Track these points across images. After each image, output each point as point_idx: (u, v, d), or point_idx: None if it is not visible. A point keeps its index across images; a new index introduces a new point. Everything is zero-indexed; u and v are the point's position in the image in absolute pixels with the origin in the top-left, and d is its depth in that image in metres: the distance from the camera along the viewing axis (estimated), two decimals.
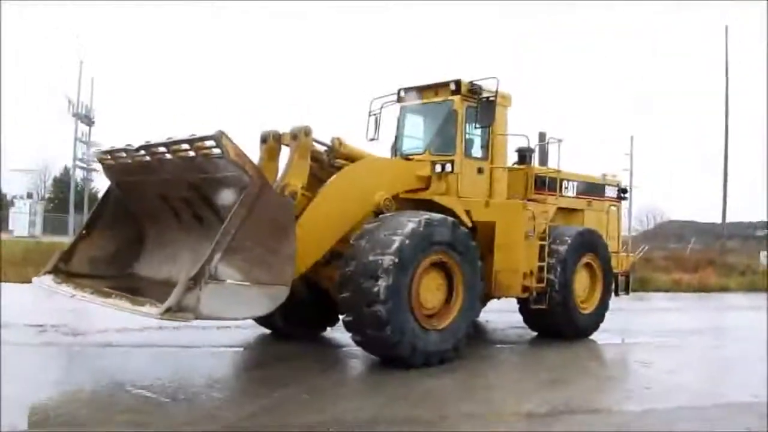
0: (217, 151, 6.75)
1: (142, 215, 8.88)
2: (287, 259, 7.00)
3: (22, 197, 50.86)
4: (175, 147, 7.17)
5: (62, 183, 60.38)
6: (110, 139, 53.86)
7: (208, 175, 7.10)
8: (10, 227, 44.99)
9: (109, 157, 8.28)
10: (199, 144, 6.89)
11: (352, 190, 9.09)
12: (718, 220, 44.05)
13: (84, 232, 8.96)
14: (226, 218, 6.57)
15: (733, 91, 44.80)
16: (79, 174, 54.33)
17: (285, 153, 9.01)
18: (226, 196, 6.95)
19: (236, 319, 6.98)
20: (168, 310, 6.06)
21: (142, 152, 7.56)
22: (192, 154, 7.04)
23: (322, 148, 9.19)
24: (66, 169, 59.78)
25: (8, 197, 58.51)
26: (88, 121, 50.65)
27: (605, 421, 6.45)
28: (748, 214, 63.97)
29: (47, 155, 65.71)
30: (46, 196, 62.57)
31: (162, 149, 7.36)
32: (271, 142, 9.14)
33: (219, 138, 6.62)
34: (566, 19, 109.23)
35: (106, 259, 8.71)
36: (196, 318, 6.23)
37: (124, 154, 7.92)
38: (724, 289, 25.70)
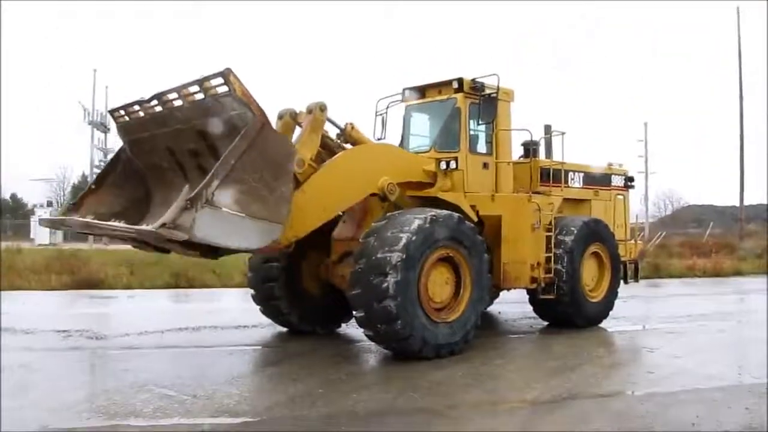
0: (224, 89, 7.00)
1: (149, 175, 8.99)
2: (283, 198, 7.24)
3: (42, 206, 51.67)
4: (186, 91, 7.42)
5: (81, 190, 60.99)
6: None
7: (216, 118, 7.27)
8: (31, 236, 45.64)
9: (123, 113, 8.45)
10: (208, 84, 7.14)
11: (358, 168, 9.37)
12: (737, 203, 43.96)
13: (92, 186, 9.16)
14: (227, 150, 6.79)
15: (747, 72, 44.62)
16: None
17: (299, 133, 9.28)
18: (231, 137, 7.10)
19: (228, 248, 6.94)
20: (163, 225, 6.31)
21: (155, 102, 7.80)
22: (201, 96, 7.28)
23: (334, 131, 9.59)
24: (84, 177, 60.58)
25: (29, 206, 59.42)
26: (104, 128, 51.33)
27: (606, 406, 6.68)
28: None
29: (65, 163, 66.47)
30: (67, 204, 63.34)
31: (173, 96, 7.60)
32: (287, 118, 9.36)
33: (227, 75, 6.88)
34: (580, 8, 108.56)
35: (112, 216, 8.76)
36: (189, 239, 6.39)
37: (137, 107, 8.16)
38: (738, 273, 25.70)
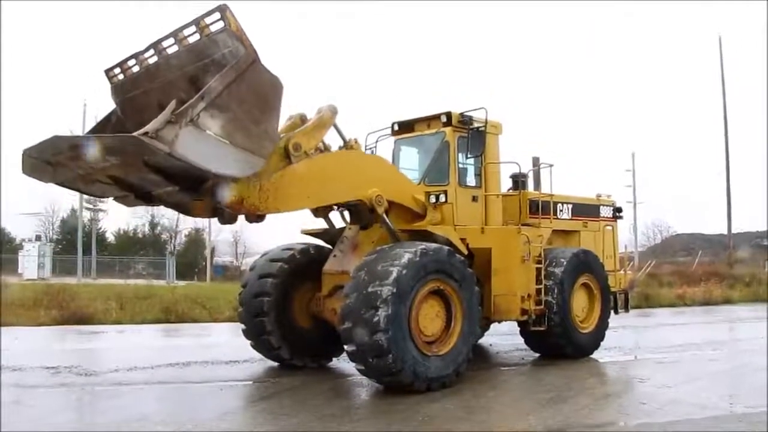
0: (219, 25, 7.03)
1: None
2: (268, 134, 7.31)
3: (30, 240, 51.35)
4: (181, 35, 7.42)
5: (69, 225, 60.82)
6: None
7: (209, 60, 7.28)
8: (19, 270, 45.32)
9: (119, 70, 8.39)
10: (203, 23, 7.17)
11: (351, 170, 9.47)
12: (726, 231, 44.28)
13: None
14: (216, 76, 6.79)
15: (732, 100, 45.31)
16: (86, 215, 55.00)
17: None
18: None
19: (209, 171, 6.87)
20: (146, 134, 6.25)
21: (150, 52, 7.80)
22: (197, 37, 7.29)
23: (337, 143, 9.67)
24: (73, 211, 60.35)
25: (17, 240, 59.01)
26: None
27: None
28: (756, 224, 63.82)
29: (54, 197, 66.09)
30: (54, 238, 63.01)
31: (169, 42, 7.59)
32: (296, 119, 9.43)
33: (224, 9, 6.92)
34: (563, 39, 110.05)
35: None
36: (170, 154, 6.34)
37: (132, 61, 8.13)
38: (728, 300, 25.80)
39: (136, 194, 8.09)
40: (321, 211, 10.38)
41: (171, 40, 7.61)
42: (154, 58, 7.88)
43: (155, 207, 8.81)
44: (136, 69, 8.18)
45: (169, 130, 6.36)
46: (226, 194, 7.70)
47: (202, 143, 6.65)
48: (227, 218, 8.58)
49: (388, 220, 9.61)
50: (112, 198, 8.58)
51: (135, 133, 6.33)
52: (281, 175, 8.36)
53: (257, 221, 8.69)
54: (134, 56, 8.11)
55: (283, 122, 9.13)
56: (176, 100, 6.90)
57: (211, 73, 7.19)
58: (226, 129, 6.85)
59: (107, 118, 8.92)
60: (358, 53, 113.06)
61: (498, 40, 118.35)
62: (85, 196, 49.89)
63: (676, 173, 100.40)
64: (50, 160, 7.36)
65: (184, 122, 6.47)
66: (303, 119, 9.37)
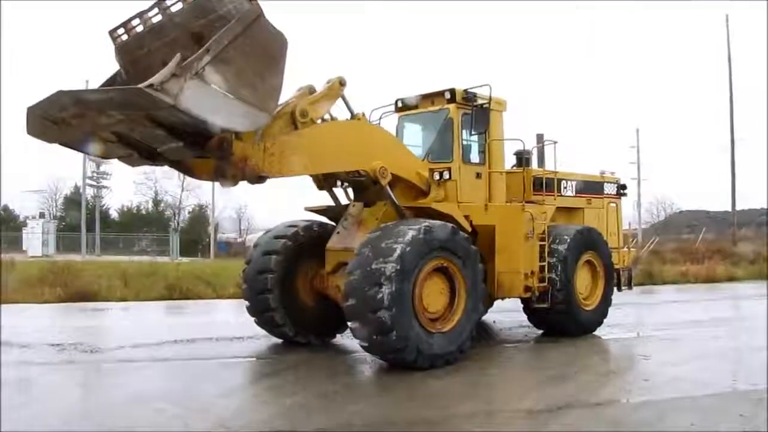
0: None
1: None
2: (273, 89, 7.29)
3: (34, 217, 51.42)
4: None
5: (73, 202, 60.95)
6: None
7: (214, 15, 7.25)
8: (24, 247, 45.55)
9: (123, 30, 8.25)
10: None
11: (356, 139, 9.47)
12: (730, 209, 44.23)
13: None
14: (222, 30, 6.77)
15: (737, 77, 45.08)
16: (89, 192, 55.04)
17: None
18: None
19: (213, 125, 6.81)
20: (150, 86, 6.20)
21: (155, 11, 7.75)
22: None
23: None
24: (76, 188, 60.49)
25: (21, 218, 59.23)
26: None
27: (601, 415, 6.71)
28: (761, 201, 63.57)
29: (57, 175, 66.13)
30: (58, 215, 63.19)
31: (172, 0, 7.54)
32: (305, 90, 9.32)
33: None
34: (567, 17, 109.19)
35: None
36: (174, 106, 6.29)
37: (137, 21, 8.05)
38: (732, 278, 25.80)
39: (140, 153, 8.01)
40: (325, 184, 10.40)
41: None
42: (159, 17, 7.79)
43: (158, 166, 8.71)
44: (140, 29, 8.07)
45: (173, 83, 6.29)
46: (231, 150, 7.74)
47: (208, 97, 6.60)
48: (228, 181, 8.52)
49: (391, 193, 9.59)
50: (116, 158, 8.50)
51: (140, 85, 6.24)
52: (286, 140, 8.39)
53: (258, 182, 8.61)
54: (138, 15, 8.01)
55: (292, 93, 9.12)
56: (180, 54, 6.83)
57: (216, 30, 7.11)
58: (232, 83, 6.79)
59: (111, 79, 8.81)
60: (366, 30, 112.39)
61: (503, 19, 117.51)
62: (88, 173, 50.11)
63: (680, 149, 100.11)
64: (55, 118, 7.29)
65: (189, 75, 6.40)
66: (311, 90, 9.31)
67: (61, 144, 7.95)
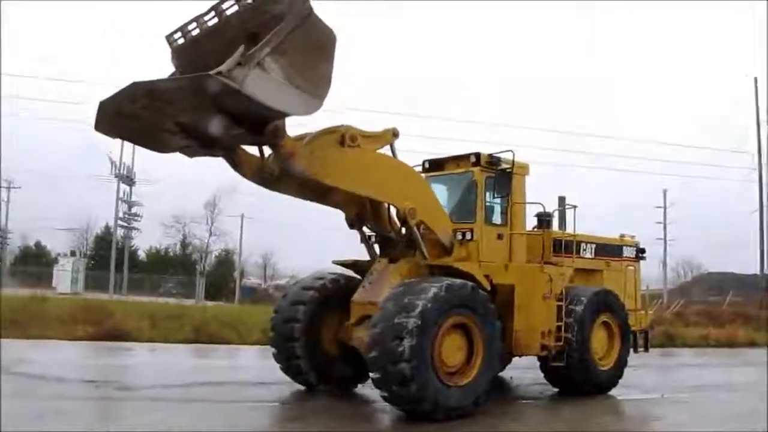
0: None
1: None
2: (324, 78, 7.90)
3: (65, 255, 52.49)
4: None
5: (104, 241, 62.11)
6: (149, 198, 55.58)
7: (269, 15, 7.75)
8: (54, 284, 46.42)
9: (180, 34, 8.69)
10: None
11: (397, 176, 10.14)
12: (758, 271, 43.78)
13: None
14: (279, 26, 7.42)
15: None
16: (119, 232, 56.17)
17: None
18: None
19: (272, 109, 7.54)
20: (219, 73, 6.89)
21: (211, 14, 8.27)
22: None
23: None
24: (107, 228, 61.72)
25: (52, 254, 60.41)
26: (129, 181, 52.60)
27: None
28: None
29: (89, 214, 67.55)
30: (88, 253, 64.29)
31: (228, 3, 8.05)
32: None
33: None
34: (593, 71, 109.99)
35: None
36: (240, 91, 6.95)
37: (193, 25, 8.52)
38: (753, 343, 25.62)
39: (200, 143, 8.60)
40: (356, 221, 10.87)
41: (231, 1, 8.11)
42: (215, 20, 8.36)
43: (214, 157, 9.29)
44: (196, 32, 8.59)
45: (239, 71, 7.02)
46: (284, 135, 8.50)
47: (268, 83, 7.28)
48: (268, 182, 9.28)
49: (418, 233, 10.10)
50: (177, 150, 9.00)
51: (209, 72, 6.94)
52: (333, 151, 9.13)
53: (287, 191, 9.59)
54: (195, 20, 8.55)
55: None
56: (244, 46, 7.50)
57: (271, 28, 7.73)
58: (288, 72, 7.48)
59: None
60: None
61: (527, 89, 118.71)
62: (120, 214, 51.13)
63: (707, 211, 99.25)
64: (124, 110, 7.83)
65: (252, 64, 7.12)
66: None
67: (124, 138, 8.62)
